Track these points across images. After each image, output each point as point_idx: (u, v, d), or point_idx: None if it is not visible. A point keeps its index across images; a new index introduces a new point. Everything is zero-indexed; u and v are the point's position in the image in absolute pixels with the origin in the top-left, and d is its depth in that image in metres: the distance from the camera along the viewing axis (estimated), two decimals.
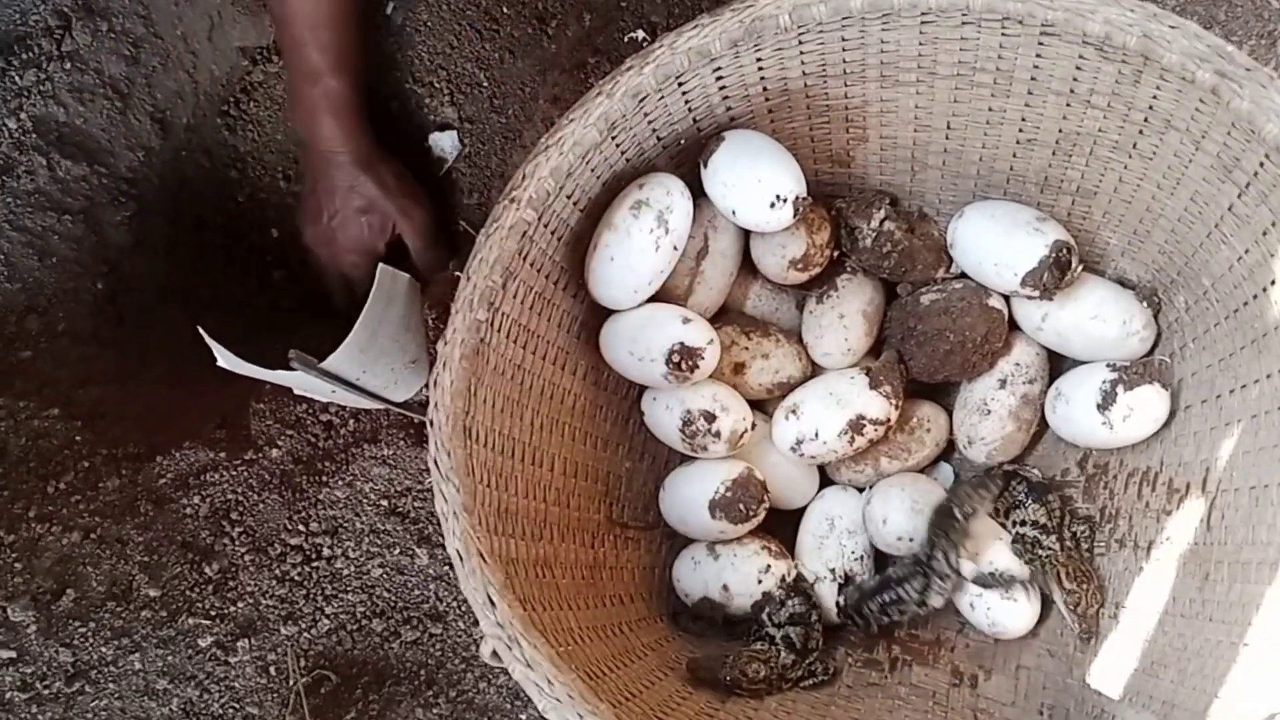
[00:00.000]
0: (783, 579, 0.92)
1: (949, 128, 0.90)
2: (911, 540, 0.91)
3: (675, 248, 0.87)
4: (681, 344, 0.87)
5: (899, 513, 0.92)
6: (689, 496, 0.93)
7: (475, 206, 1.21)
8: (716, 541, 0.94)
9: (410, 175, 1.10)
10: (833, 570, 0.94)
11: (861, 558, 0.94)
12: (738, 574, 0.92)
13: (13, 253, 1.12)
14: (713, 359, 0.89)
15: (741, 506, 0.90)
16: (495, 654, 0.69)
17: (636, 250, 0.86)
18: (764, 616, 0.91)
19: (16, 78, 1.15)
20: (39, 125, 1.15)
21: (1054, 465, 0.99)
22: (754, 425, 0.92)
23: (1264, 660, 0.72)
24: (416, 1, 1.17)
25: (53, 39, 1.15)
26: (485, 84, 1.16)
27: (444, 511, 0.73)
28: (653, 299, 0.90)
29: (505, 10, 1.16)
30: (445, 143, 1.16)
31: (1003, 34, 0.80)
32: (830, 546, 0.94)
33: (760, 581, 0.92)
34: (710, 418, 0.90)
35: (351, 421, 1.06)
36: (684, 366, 0.87)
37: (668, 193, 0.85)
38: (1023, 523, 0.91)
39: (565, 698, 0.67)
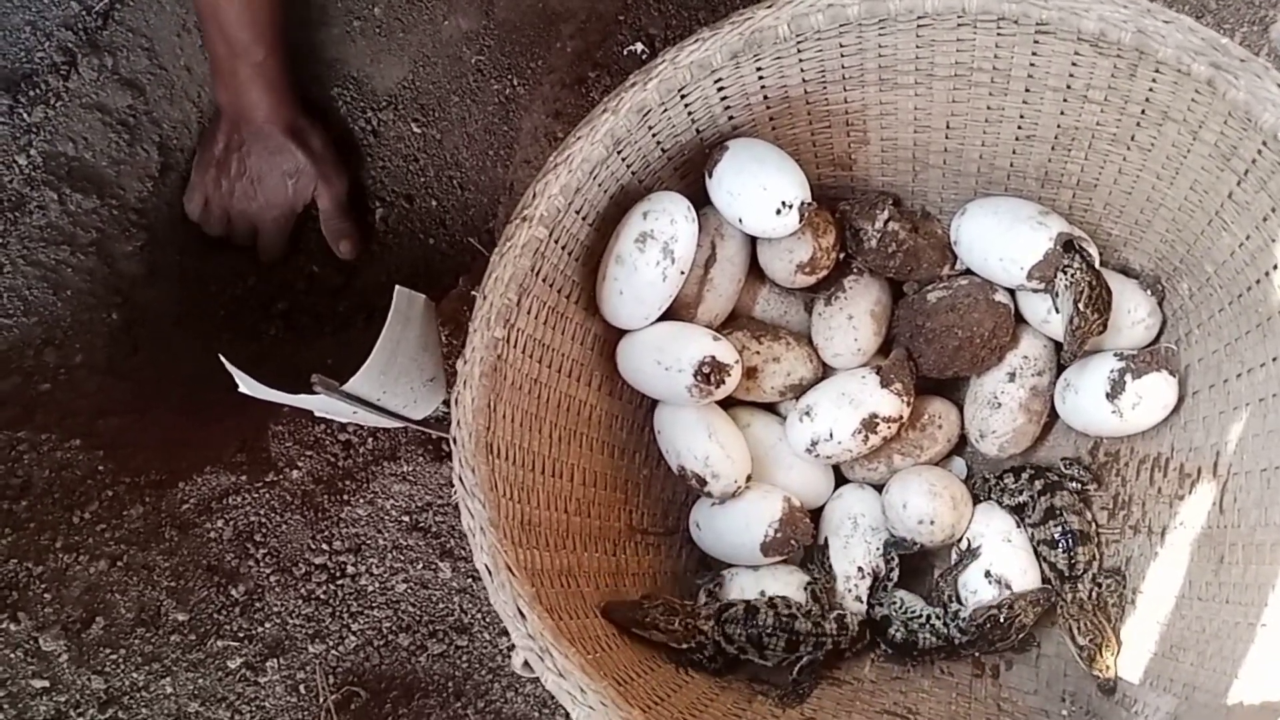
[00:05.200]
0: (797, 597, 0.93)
1: (949, 128, 0.91)
2: (933, 523, 0.92)
3: (682, 272, 0.89)
4: (713, 357, 0.88)
5: (918, 495, 0.93)
6: (735, 541, 0.93)
7: (476, 220, 1.22)
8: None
9: (333, 143, 1.17)
10: (860, 568, 0.95)
11: (885, 555, 0.95)
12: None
13: (27, 287, 1.14)
14: (736, 378, 0.90)
15: (794, 543, 0.92)
16: (527, 664, 0.71)
17: (645, 283, 0.88)
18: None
19: (25, 114, 1.16)
20: (49, 160, 1.16)
21: (1066, 455, 1.00)
22: (749, 478, 0.93)
23: None
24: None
25: (59, 75, 1.17)
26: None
27: (470, 527, 0.74)
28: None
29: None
30: None
31: (998, 34, 0.81)
32: (856, 545, 0.96)
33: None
34: (701, 481, 0.92)
35: (370, 440, 1.07)
36: (711, 380, 0.88)
37: (672, 221, 0.87)
38: (1052, 565, 0.92)
39: (598, 705, 0.68)
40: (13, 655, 0.96)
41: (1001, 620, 0.89)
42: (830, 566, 0.95)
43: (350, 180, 1.20)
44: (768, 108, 0.90)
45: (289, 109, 1.11)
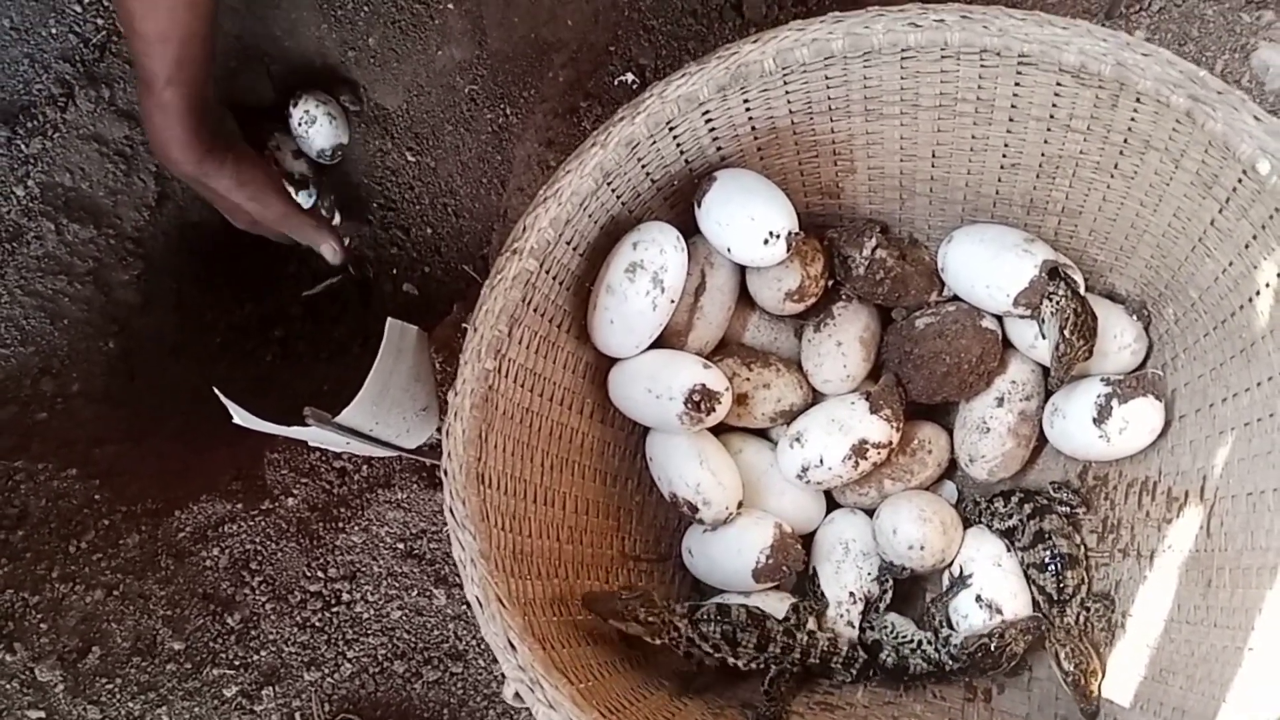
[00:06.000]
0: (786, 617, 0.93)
1: (934, 156, 0.92)
2: (923, 549, 0.93)
3: (672, 301, 0.90)
4: (703, 385, 0.89)
5: (908, 522, 0.93)
6: (727, 567, 0.94)
7: (470, 247, 1.23)
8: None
9: (256, 164, 1.08)
10: (852, 593, 0.96)
11: (878, 579, 0.96)
12: None
13: (25, 317, 1.15)
14: (727, 406, 0.91)
15: (785, 569, 0.92)
16: (517, 695, 0.71)
17: (635, 313, 0.89)
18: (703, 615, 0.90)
19: (23, 146, 1.17)
20: (46, 191, 1.17)
21: (1055, 479, 1.01)
22: (740, 504, 0.94)
23: (1268, 664, 0.74)
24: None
25: (56, 107, 1.18)
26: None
27: (461, 558, 0.75)
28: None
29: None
30: None
31: (982, 65, 0.82)
32: (848, 570, 0.96)
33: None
34: (693, 508, 0.93)
35: (365, 467, 1.08)
36: (702, 408, 0.89)
37: (661, 251, 0.88)
38: (1041, 589, 0.93)
39: None
40: (9, 686, 0.96)
41: (993, 649, 0.89)
42: (822, 593, 0.95)
43: (277, 181, 1.12)
44: (755, 138, 0.91)
45: (192, 149, 1.00)
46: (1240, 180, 0.77)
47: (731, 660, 0.89)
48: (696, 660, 0.89)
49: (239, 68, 1.24)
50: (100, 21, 1.20)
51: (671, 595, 1.00)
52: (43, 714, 0.97)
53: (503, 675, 0.93)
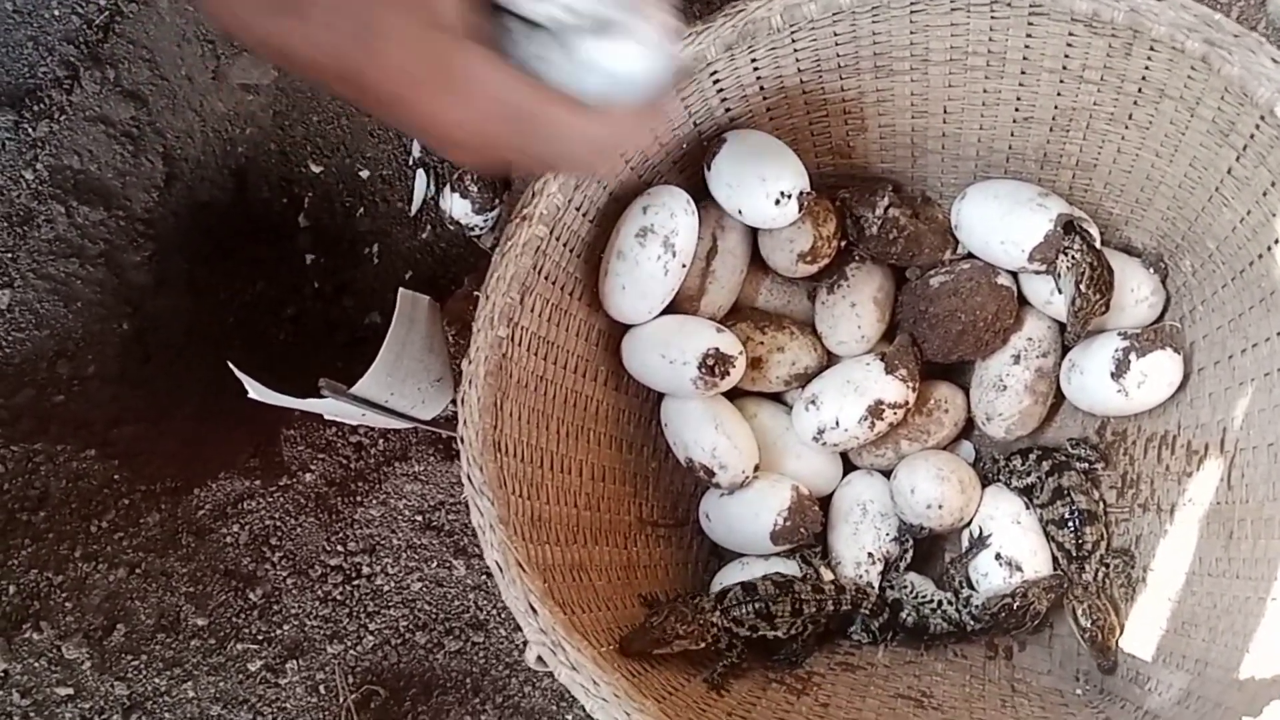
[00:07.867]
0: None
1: (946, 112, 0.91)
2: (941, 508, 0.92)
3: (684, 265, 0.90)
4: (717, 349, 0.89)
5: (926, 480, 0.93)
6: (745, 531, 0.94)
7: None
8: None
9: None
10: (870, 554, 0.96)
11: (898, 539, 0.96)
12: None
13: (39, 300, 1.15)
14: (741, 369, 0.91)
15: (803, 530, 0.92)
16: (540, 659, 0.71)
17: (646, 277, 0.88)
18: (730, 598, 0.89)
19: (30, 129, 1.17)
20: (55, 174, 1.17)
21: (1073, 435, 1.00)
22: (757, 467, 0.94)
23: None
24: None
25: (62, 89, 1.18)
26: None
27: (480, 525, 0.75)
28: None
29: None
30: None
31: (992, 16, 0.81)
32: (865, 531, 0.96)
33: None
34: (710, 472, 0.93)
35: (381, 441, 1.08)
36: (716, 372, 0.89)
37: (671, 215, 0.87)
38: (1060, 545, 0.92)
39: (611, 697, 0.69)
40: (37, 664, 0.97)
41: (1015, 608, 0.89)
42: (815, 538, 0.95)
43: None
44: (764, 98, 0.90)
45: None
46: (1258, 126, 0.76)
47: (771, 633, 0.88)
48: (734, 647, 0.87)
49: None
50: (103, 2, 1.19)
51: (690, 561, 1.00)
52: (71, 691, 0.98)
53: (524, 642, 0.94)
